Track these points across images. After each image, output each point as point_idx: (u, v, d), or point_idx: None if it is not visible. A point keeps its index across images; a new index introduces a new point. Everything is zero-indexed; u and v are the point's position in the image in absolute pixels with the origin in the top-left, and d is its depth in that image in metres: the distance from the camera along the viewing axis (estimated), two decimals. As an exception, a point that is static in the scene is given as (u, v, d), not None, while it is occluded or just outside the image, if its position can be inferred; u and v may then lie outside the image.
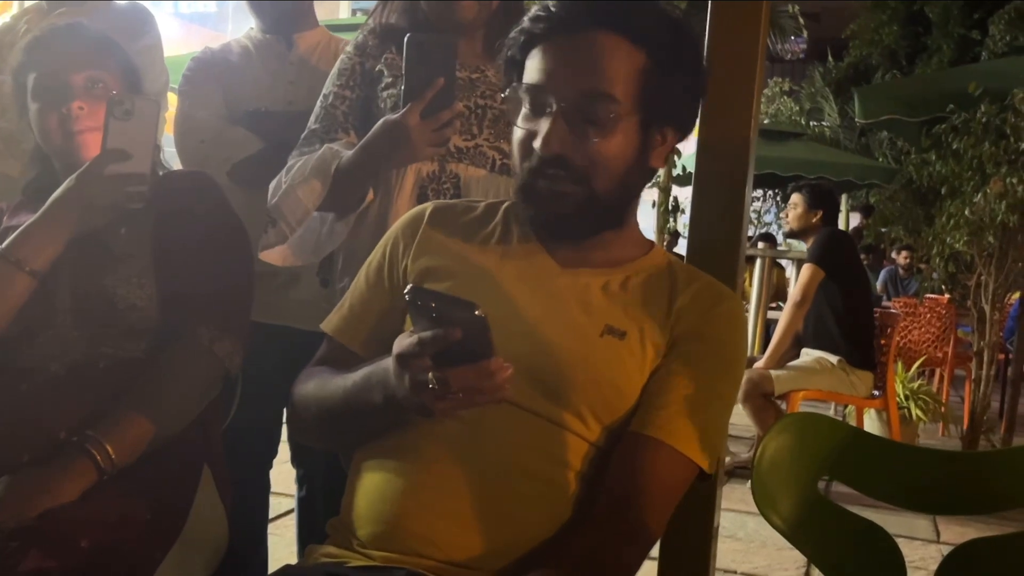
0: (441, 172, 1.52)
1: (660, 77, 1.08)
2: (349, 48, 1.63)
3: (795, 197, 4.35)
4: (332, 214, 1.54)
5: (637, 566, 1.04)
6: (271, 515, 2.15)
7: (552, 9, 1.09)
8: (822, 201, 4.33)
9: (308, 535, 2.06)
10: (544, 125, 1.06)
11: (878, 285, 9.18)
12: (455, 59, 1.36)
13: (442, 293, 0.93)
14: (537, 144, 1.06)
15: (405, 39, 1.33)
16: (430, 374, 0.92)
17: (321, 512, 1.77)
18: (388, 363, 0.99)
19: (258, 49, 1.96)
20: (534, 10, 1.11)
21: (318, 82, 1.70)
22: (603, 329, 1.10)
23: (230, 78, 1.92)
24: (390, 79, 1.56)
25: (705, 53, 1.30)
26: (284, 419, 1.32)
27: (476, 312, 0.88)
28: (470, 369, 0.91)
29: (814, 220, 4.25)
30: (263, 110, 1.87)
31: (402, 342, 0.95)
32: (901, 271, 9.13)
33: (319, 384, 1.16)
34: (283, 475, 2.09)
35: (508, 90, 1.13)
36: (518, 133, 1.11)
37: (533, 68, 1.09)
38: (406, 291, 0.91)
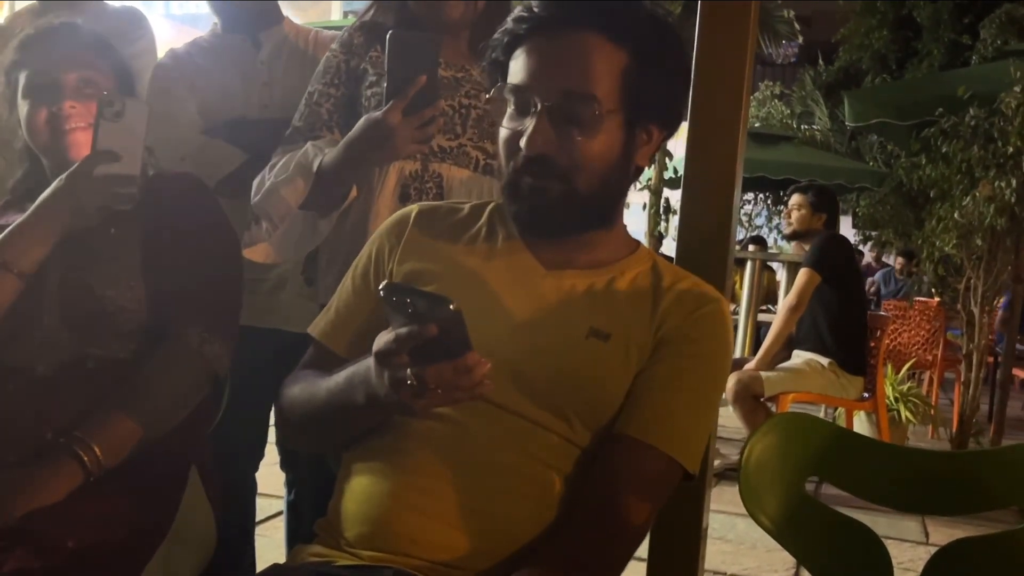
0: (424, 171, 1.52)
1: (643, 75, 1.08)
2: (335, 45, 1.62)
3: (799, 199, 4.27)
4: (314, 212, 1.53)
5: (622, 566, 1.05)
6: (260, 517, 2.14)
7: (535, 10, 1.09)
8: (827, 204, 4.27)
9: (297, 539, 2.05)
10: (529, 125, 1.07)
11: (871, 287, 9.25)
12: (438, 57, 1.35)
13: (417, 289, 0.93)
14: (523, 143, 1.07)
15: (387, 37, 1.32)
16: (408, 371, 0.92)
17: (310, 516, 1.77)
18: (369, 362, 0.99)
19: (226, 50, 1.89)
20: (517, 11, 1.11)
21: (292, 80, 1.68)
22: (587, 331, 1.10)
23: (201, 84, 1.85)
24: (374, 77, 1.55)
25: (695, 54, 1.30)
26: (272, 421, 1.32)
27: (451, 307, 0.88)
28: (447, 365, 0.91)
29: (818, 223, 4.22)
30: (241, 119, 1.82)
31: (380, 340, 0.95)
32: (898, 273, 9.20)
33: (304, 387, 1.17)
34: (272, 477, 2.08)
35: (493, 91, 1.14)
36: (504, 133, 1.11)
37: (517, 69, 1.09)
38: (381, 287, 0.91)
